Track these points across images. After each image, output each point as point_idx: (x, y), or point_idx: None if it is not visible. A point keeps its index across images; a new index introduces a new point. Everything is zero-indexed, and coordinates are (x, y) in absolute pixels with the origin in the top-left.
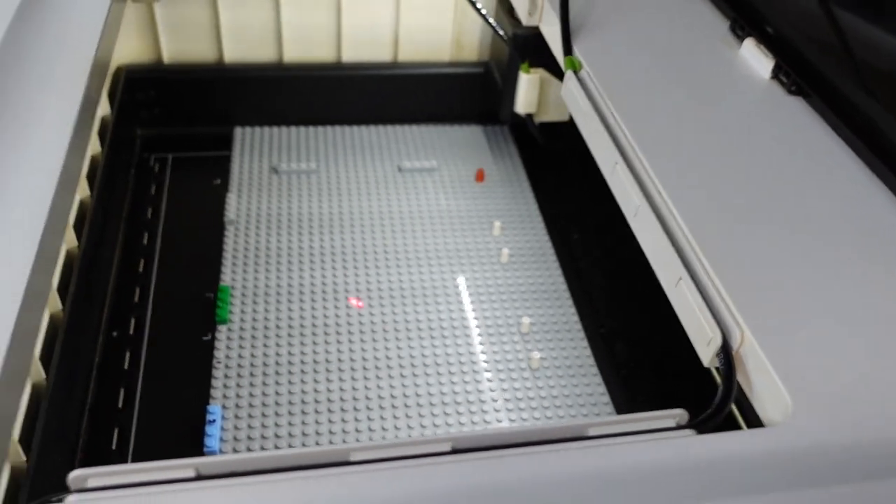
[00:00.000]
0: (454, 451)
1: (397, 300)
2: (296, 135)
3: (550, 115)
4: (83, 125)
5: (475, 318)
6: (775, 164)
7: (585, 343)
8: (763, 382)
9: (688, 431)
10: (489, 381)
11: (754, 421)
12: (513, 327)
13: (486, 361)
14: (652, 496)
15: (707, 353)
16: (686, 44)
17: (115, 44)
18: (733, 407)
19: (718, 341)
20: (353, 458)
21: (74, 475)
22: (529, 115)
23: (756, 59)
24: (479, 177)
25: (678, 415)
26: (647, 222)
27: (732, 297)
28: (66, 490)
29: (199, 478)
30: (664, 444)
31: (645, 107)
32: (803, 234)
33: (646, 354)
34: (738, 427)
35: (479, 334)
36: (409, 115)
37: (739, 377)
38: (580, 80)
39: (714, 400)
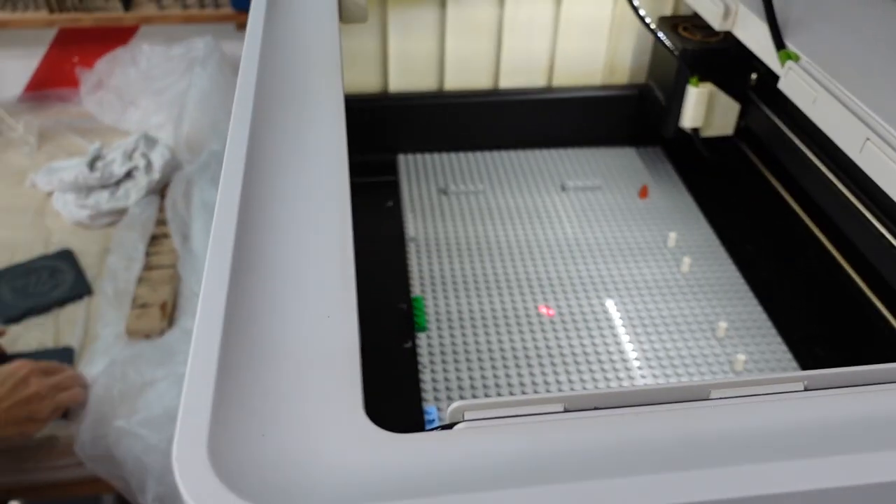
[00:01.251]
0: (807, 390)
1: (583, 299)
2: (457, 160)
3: (715, 130)
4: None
5: (665, 321)
6: None
7: (785, 347)
8: None
9: None
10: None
11: None
12: (706, 332)
13: (686, 364)
14: None
15: None
16: (890, 35)
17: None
18: None
19: None
20: (713, 395)
21: (454, 407)
22: (695, 130)
23: None
24: (643, 193)
25: None
26: None
27: None
28: None
29: (566, 411)
30: None
31: (876, 86)
32: None
33: (848, 357)
34: None
35: (674, 338)
36: (564, 138)
37: None
38: (804, 69)
39: None
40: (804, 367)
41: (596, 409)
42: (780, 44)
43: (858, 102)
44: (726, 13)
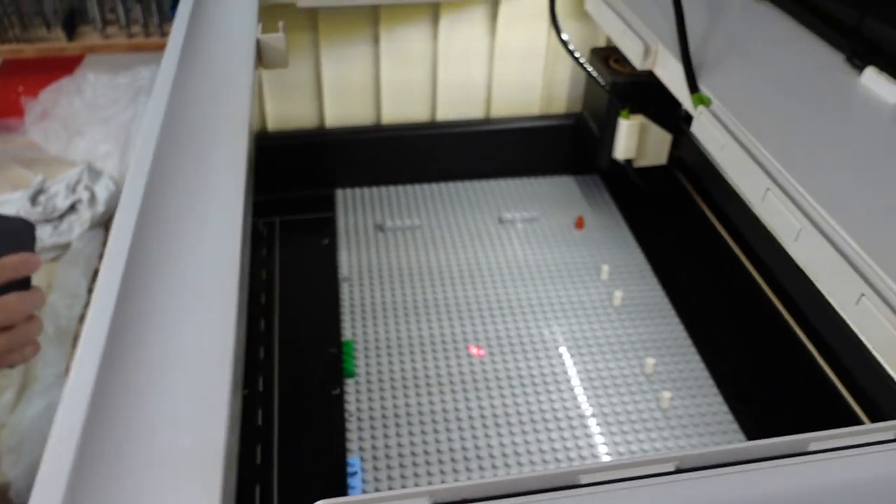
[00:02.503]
0: (678, 471)
1: (517, 349)
2: (395, 193)
3: (649, 160)
4: (248, 194)
5: (597, 363)
6: None
7: (712, 382)
8: None
9: None
10: (620, 423)
11: None
12: (635, 367)
13: (613, 404)
14: None
15: None
16: (805, 76)
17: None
18: None
19: None
20: (582, 480)
21: None
22: (628, 161)
23: (879, 86)
24: (580, 224)
25: None
26: (813, 244)
27: None
28: None
29: None
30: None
31: (784, 135)
32: None
33: (772, 386)
34: None
35: (603, 377)
36: (502, 169)
37: None
38: (714, 114)
39: None
40: (731, 405)
41: (465, 501)
42: (693, 87)
43: (763, 151)
44: (646, 52)
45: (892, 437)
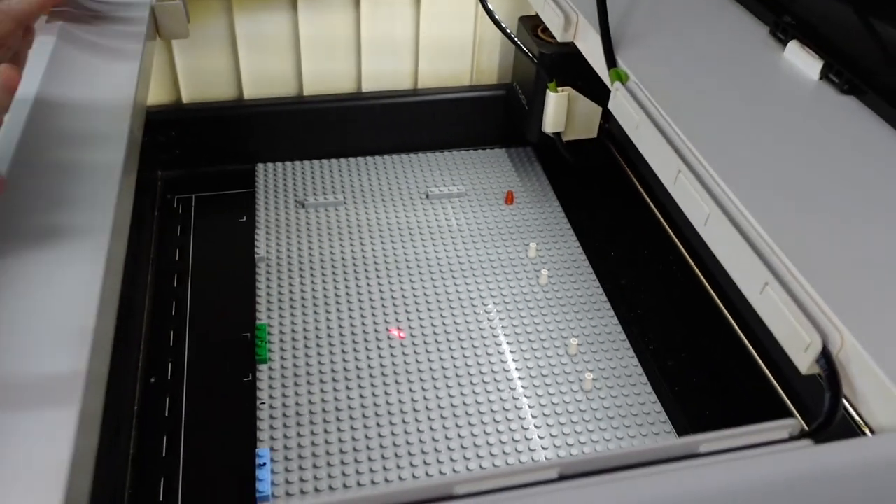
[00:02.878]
0: (562, 478)
1: (438, 324)
2: (319, 168)
3: (578, 133)
4: (128, 170)
5: (519, 338)
6: (842, 162)
7: (636, 361)
8: (870, 386)
9: (805, 442)
10: (542, 405)
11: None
12: (560, 349)
13: (535, 385)
14: None
15: (805, 359)
16: (728, 50)
17: (150, 85)
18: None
19: (818, 346)
20: (457, 491)
21: None
22: (558, 134)
23: (802, 61)
24: (509, 199)
25: (791, 425)
26: (721, 229)
27: (826, 298)
28: None
29: None
30: (785, 457)
31: (700, 114)
32: (888, 231)
33: (697, 368)
34: (850, 434)
35: (525, 357)
36: (431, 142)
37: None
38: (630, 92)
39: (823, 408)
40: (651, 380)
41: None
42: (611, 62)
43: (676, 130)
44: (567, 24)
45: (784, 437)
